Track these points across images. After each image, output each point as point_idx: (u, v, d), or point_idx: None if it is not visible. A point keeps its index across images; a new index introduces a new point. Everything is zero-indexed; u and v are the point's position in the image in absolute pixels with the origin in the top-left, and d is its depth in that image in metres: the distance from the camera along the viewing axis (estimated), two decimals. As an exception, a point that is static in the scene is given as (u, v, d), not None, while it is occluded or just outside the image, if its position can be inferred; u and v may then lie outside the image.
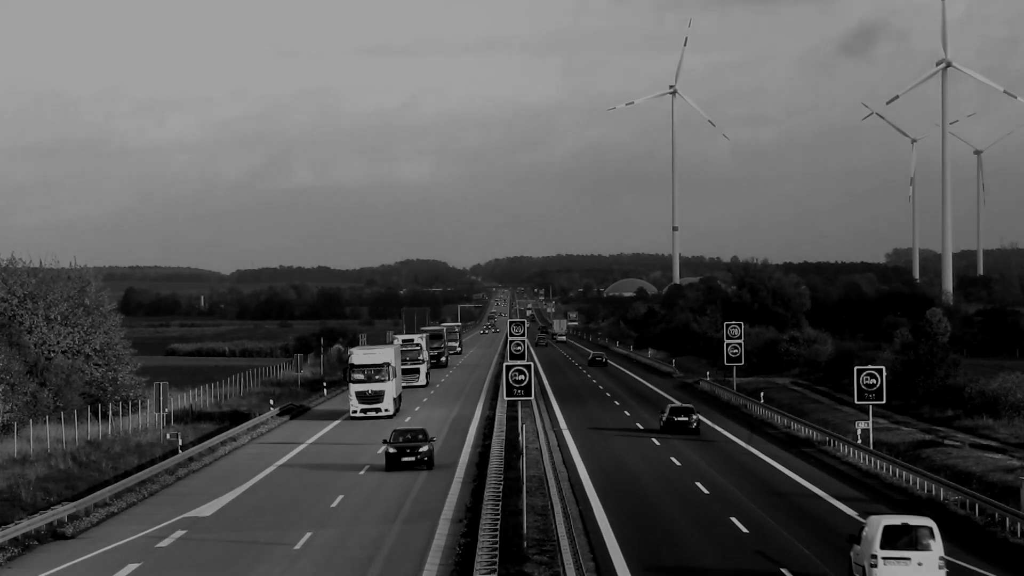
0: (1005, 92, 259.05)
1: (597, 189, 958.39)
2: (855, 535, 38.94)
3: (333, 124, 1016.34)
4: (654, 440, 77.02)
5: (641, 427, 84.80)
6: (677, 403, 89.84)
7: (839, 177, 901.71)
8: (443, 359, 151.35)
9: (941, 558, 36.58)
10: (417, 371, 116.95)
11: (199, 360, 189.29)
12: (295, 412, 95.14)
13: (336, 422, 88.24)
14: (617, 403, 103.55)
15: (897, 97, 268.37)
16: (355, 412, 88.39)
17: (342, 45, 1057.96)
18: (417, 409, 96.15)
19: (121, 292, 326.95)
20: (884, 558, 36.29)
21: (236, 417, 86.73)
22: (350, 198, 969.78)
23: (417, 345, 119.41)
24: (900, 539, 36.59)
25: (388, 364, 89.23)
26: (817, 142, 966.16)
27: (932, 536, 36.70)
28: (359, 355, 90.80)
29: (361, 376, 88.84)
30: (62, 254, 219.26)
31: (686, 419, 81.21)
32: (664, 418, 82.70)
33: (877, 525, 37.19)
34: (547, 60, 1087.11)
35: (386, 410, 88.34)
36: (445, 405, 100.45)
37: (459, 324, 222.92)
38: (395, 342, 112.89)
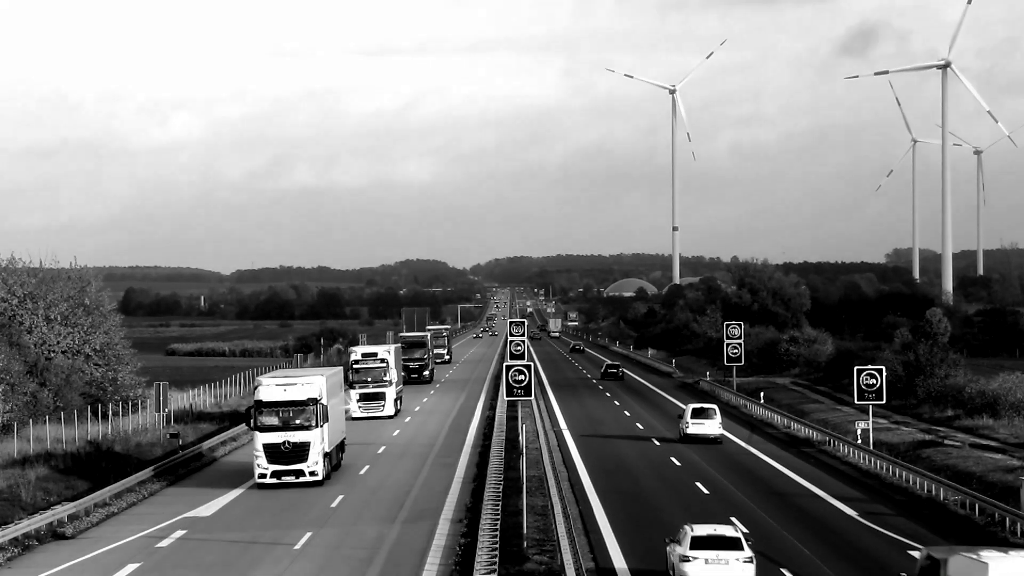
0: (988, 113, 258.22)
1: (597, 189, 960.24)
2: (681, 415, 78.68)
3: (335, 124, 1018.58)
4: (654, 441, 77.05)
5: (641, 427, 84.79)
6: (609, 360, 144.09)
7: (839, 177, 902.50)
8: (426, 373, 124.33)
9: (720, 424, 76.43)
10: (381, 397, 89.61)
11: (199, 360, 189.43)
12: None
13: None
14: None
15: (887, 71, 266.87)
16: (263, 476, 58.21)
17: (344, 46, 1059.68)
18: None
19: (121, 292, 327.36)
20: (692, 422, 76.04)
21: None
22: (350, 198, 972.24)
23: (382, 361, 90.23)
24: (700, 415, 76.60)
25: (315, 401, 58.67)
26: (817, 142, 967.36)
27: (716, 413, 77.05)
28: (269, 387, 59.06)
29: (273, 420, 58.23)
30: (62, 254, 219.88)
31: (615, 371, 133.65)
32: (601, 371, 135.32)
33: (688, 408, 78.63)
34: (548, 60, 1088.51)
35: (312, 473, 58.25)
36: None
37: (447, 327, 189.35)
38: (351, 356, 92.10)
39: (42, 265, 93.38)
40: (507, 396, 48.30)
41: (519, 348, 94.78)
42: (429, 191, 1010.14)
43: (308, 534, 46.92)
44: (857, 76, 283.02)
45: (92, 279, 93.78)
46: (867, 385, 69.62)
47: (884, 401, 71.91)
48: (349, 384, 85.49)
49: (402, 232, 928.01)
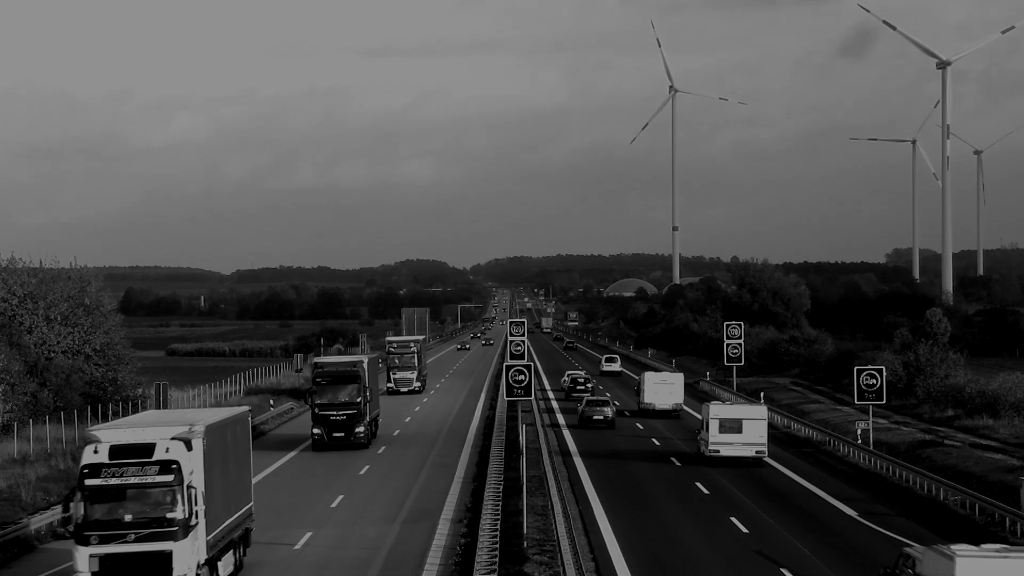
0: (947, 127, 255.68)
1: (597, 189, 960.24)
2: (598, 361, 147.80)
3: (338, 125, 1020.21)
4: (654, 440, 77.08)
5: (642, 430, 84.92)
6: (567, 339, 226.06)
7: (839, 177, 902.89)
8: (359, 430, 72.20)
9: (620, 365, 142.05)
10: (161, 561, 32.76)
11: (199, 360, 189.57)
12: None
13: None
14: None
15: (895, 28, 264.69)
16: None
17: (348, 46, 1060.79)
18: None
19: (121, 292, 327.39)
20: (605, 365, 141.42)
21: None
22: (352, 198, 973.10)
23: (163, 469, 33.23)
24: (609, 361, 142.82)
25: None
26: (817, 142, 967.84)
27: (618, 359, 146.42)
28: None
29: None
30: (63, 254, 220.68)
31: (572, 345, 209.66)
32: (563, 346, 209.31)
33: (602, 357, 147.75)
34: (551, 62, 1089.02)
35: None
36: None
37: (417, 339, 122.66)
38: (84, 453, 33.82)
39: (42, 265, 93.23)
40: (507, 396, 48.30)
41: (519, 348, 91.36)
42: (430, 191, 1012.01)
43: (308, 534, 46.88)
44: (870, 12, 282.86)
45: (92, 279, 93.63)
46: (867, 385, 69.62)
47: (884, 401, 71.92)
48: (76, 532, 33.56)
49: (402, 232, 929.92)
